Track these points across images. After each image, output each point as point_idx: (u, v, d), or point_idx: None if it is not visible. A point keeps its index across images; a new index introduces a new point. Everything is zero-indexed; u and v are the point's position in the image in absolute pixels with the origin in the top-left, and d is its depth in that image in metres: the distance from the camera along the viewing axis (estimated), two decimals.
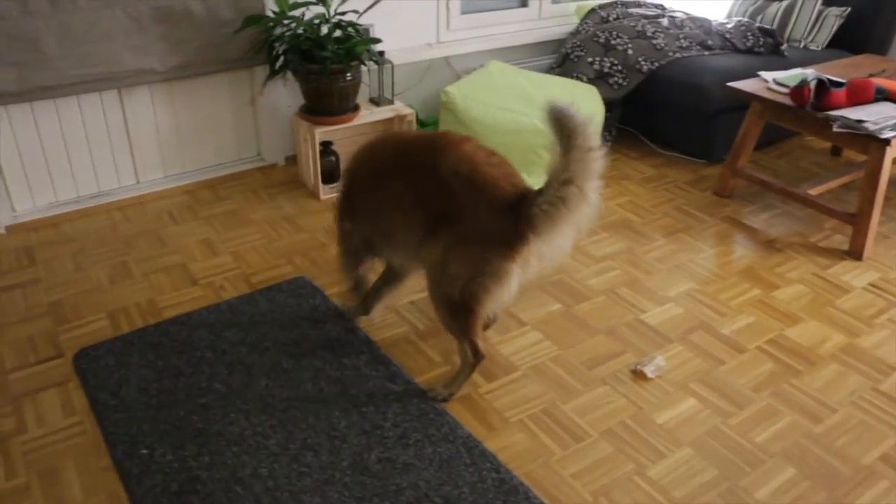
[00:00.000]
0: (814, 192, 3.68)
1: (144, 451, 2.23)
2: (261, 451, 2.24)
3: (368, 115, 3.76)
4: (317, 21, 3.51)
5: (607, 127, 4.35)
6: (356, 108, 3.70)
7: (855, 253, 3.43)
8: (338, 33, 3.53)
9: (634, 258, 3.35)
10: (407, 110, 3.82)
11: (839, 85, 3.46)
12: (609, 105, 4.28)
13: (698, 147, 4.25)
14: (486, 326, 2.77)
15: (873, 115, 3.26)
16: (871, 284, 3.23)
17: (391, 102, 3.86)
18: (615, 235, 3.50)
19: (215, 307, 2.87)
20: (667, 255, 3.38)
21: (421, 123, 4.17)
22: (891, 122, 3.20)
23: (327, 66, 3.41)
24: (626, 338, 2.82)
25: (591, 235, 3.50)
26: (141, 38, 3.37)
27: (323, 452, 2.24)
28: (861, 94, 3.39)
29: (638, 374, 2.62)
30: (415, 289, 3.02)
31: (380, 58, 3.73)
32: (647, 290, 3.12)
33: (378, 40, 3.61)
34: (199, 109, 3.74)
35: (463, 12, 4.41)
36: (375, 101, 3.86)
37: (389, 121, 3.91)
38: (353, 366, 2.59)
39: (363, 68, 3.67)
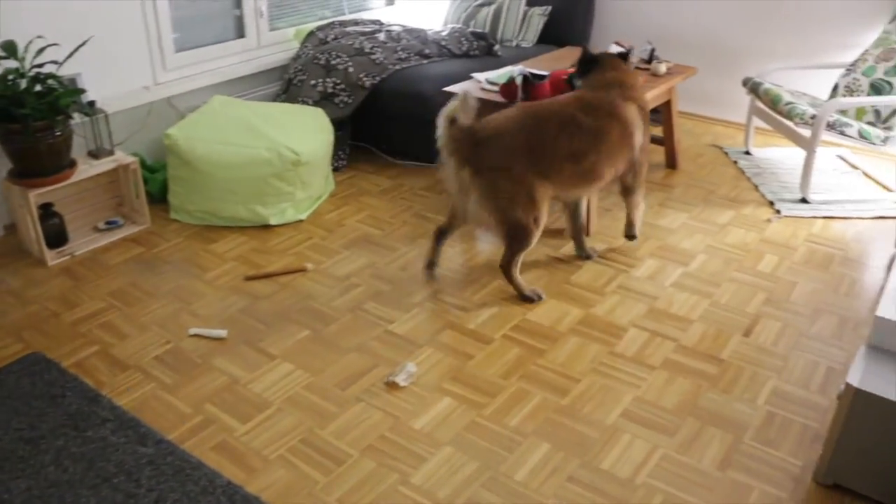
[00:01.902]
0: None
1: None
2: None
3: (88, 168, 3.55)
4: (11, 77, 3.27)
5: (340, 146, 4.39)
6: (73, 164, 3.48)
7: None
8: (39, 87, 3.31)
9: (377, 271, 3.39)
10: (129, 159, 3.65)
11: (542, 78, 3.71)
12: (339, 124, 4.33)
13: (427, 152, 4.30)
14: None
15: None
16: (600, 256, 3.49)
17: (111, 153, 3.67)
18: (356, 252, 3.53)
19: None
20: (409, 262, 3.47)
21: (149, 169, 4.00)
22: None
23: (29, 123, 3.19)
24: (376, 351, 2.86)
25: (332, 256, 3.51)
26: None
27: None
28: (561, 84, 3.65)
29: (391, 385, 2.66)
30: (159, 342, 2.90)
31: (90, 108, 3.54)
32: (393, 301, 3.17)
33: (83, 91, 3.42)
34: None
35: (178, 50, 4.27)
36: (94, 154, 3.66)
37: (113, 172, 3.72)
38: (99, 436, 2.44)
39: (74, 121, 3.47)
